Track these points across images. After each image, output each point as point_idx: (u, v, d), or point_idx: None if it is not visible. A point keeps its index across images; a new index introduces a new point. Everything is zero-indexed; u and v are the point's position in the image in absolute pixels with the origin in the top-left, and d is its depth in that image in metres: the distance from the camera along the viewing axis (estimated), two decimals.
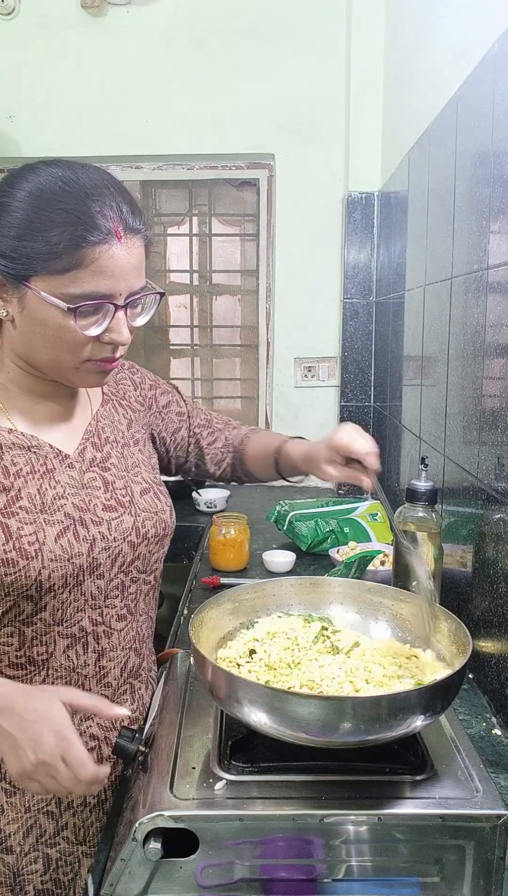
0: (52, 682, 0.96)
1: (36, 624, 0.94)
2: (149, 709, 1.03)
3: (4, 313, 0.91)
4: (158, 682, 1.04)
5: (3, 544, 0.90)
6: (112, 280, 0.87)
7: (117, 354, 0.94)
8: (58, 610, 0.94)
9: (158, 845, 0.73)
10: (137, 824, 0.73)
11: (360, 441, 1.04)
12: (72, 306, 0.86)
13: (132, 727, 0.97)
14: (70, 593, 0.95)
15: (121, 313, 0.90)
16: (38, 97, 2.61)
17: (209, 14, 2.56)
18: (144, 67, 2.59)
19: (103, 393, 1.11)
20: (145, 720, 1.00)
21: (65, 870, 1.00)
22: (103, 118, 2.61)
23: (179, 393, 1.26)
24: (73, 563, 0.93)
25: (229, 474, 1.30)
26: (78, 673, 0.98)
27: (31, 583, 0.91)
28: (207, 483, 2.65)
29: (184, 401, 1.26)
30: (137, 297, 0.92)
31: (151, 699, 1.05)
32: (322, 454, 1.08)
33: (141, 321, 0.96)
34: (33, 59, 2.59)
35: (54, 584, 0.92)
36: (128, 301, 0.91)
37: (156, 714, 0.94)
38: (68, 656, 0.97)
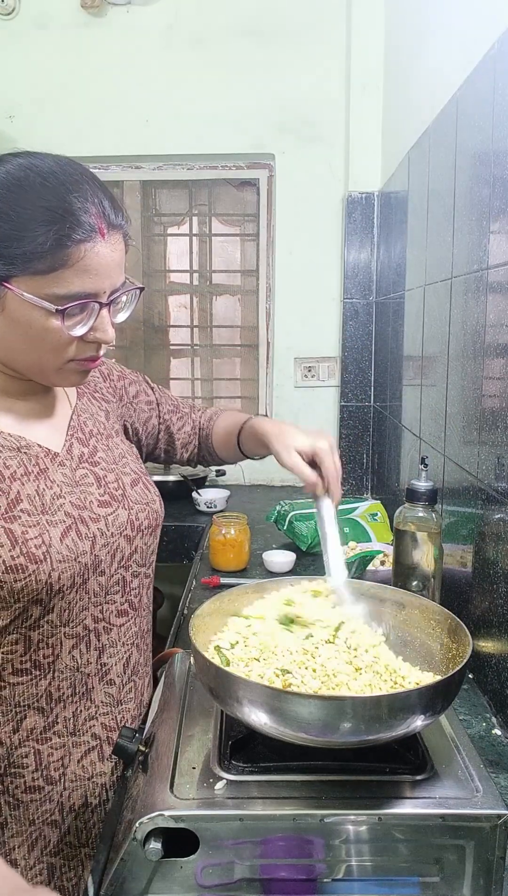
0: (58, 685, 0.96)
1: (42, 627, 0.93)
2: (149, 708, 1.03)
3: None
4: (159, 681, 1.04)
5: (10, 550, 0.87)
6: (97, 278, 0.86)
7: (101, 353, 0.93)
8: (64, 611, 0.94)
9: (159, 845, 0.73)
10: (137, 824, 0.73)
11: (307, 471, 1.08)
12: (60, 308, 0.84)
13: (132, 727, 0.97)
14: (76, 593, 0.94)
15: (105, 311, 0.89)
16: (38, 97, 2.60)
17: (209, 14, 2.55)
18: (145, 67, 2.59)
19: (77, 388, 1.10)
20: (145, 720, 1.00)
21: (68, 875, 1.00)
22: (103, 118, 2.61)
23: (146, 381, 1.26)
24: (79, 561, 0.93)
25: (195, 456, 1.32)
26: (81, 672, 0.97)
27: (42, 586, 0.89)
28: (207, 483, 2.66)
29: (151, 388, 1.26)
30: (119, 293, 0.91)
31: (151, 699, 1.05)
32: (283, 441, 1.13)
33: (122, 317, 0.95)
34: (33, 59, 2.59)
35: (63, 584, 0.91)
36: (111, 298, 0.90)
37: (156, 714, 0.94)
38: (73, 656, 0.96)
